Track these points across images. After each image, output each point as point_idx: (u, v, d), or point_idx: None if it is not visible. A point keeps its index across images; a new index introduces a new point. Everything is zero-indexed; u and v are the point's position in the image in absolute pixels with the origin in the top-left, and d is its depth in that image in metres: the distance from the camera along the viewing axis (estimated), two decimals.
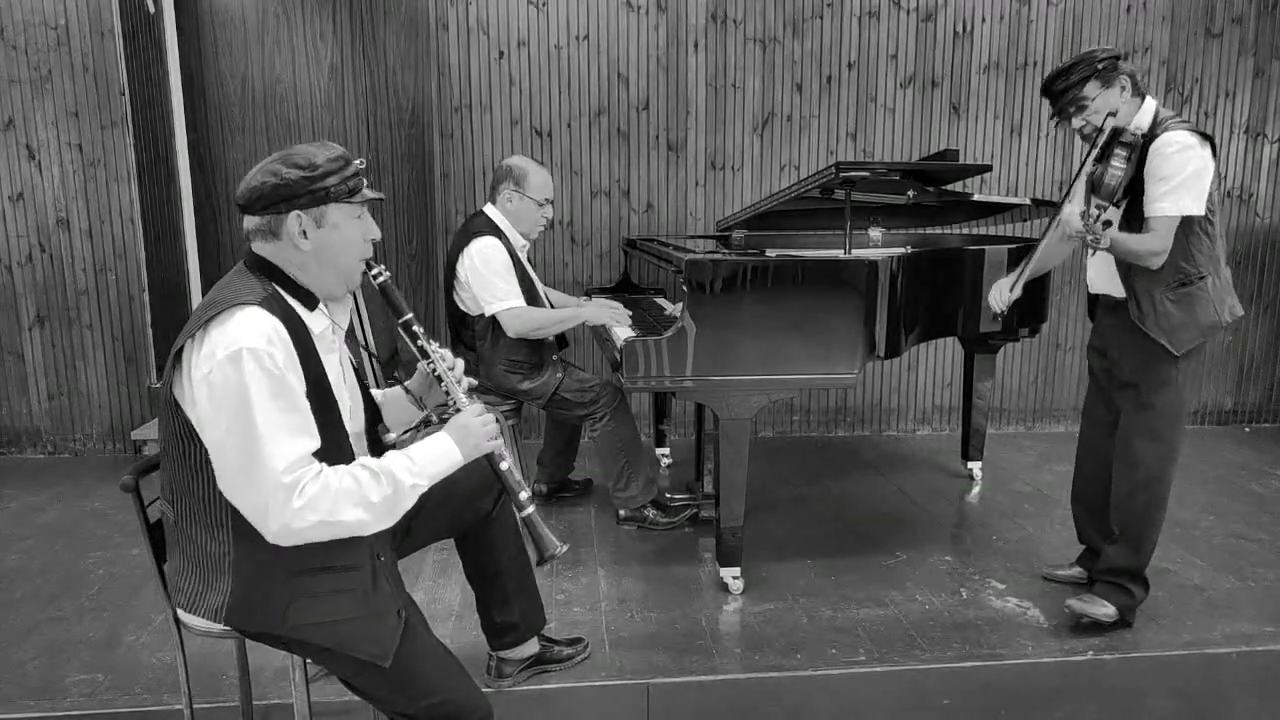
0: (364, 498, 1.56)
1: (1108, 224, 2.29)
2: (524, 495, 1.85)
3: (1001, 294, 2.66)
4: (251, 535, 1.56)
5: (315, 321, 1.67)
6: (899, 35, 4.33)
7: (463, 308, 3.18)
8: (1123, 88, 2.43)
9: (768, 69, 4.30)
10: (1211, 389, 4.81)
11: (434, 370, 1.84)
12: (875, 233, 3.56)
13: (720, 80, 4.29)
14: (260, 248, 1.65)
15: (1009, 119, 4.46)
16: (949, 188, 3.50)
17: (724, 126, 4.33)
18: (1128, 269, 2.48)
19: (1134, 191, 2.41)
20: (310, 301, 1.68)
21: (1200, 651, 2.52)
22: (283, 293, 1.63)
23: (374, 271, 1.79)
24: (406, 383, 1.99)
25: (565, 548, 1.92)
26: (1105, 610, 2.56)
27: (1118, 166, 2.32)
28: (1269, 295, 4.74)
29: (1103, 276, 2.60)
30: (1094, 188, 2.37)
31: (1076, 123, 2.47)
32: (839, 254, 2.73)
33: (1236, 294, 2.56)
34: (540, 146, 4.26)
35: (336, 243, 1.65)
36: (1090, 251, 2.61)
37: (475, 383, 1.94)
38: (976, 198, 3.41)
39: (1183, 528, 3.38)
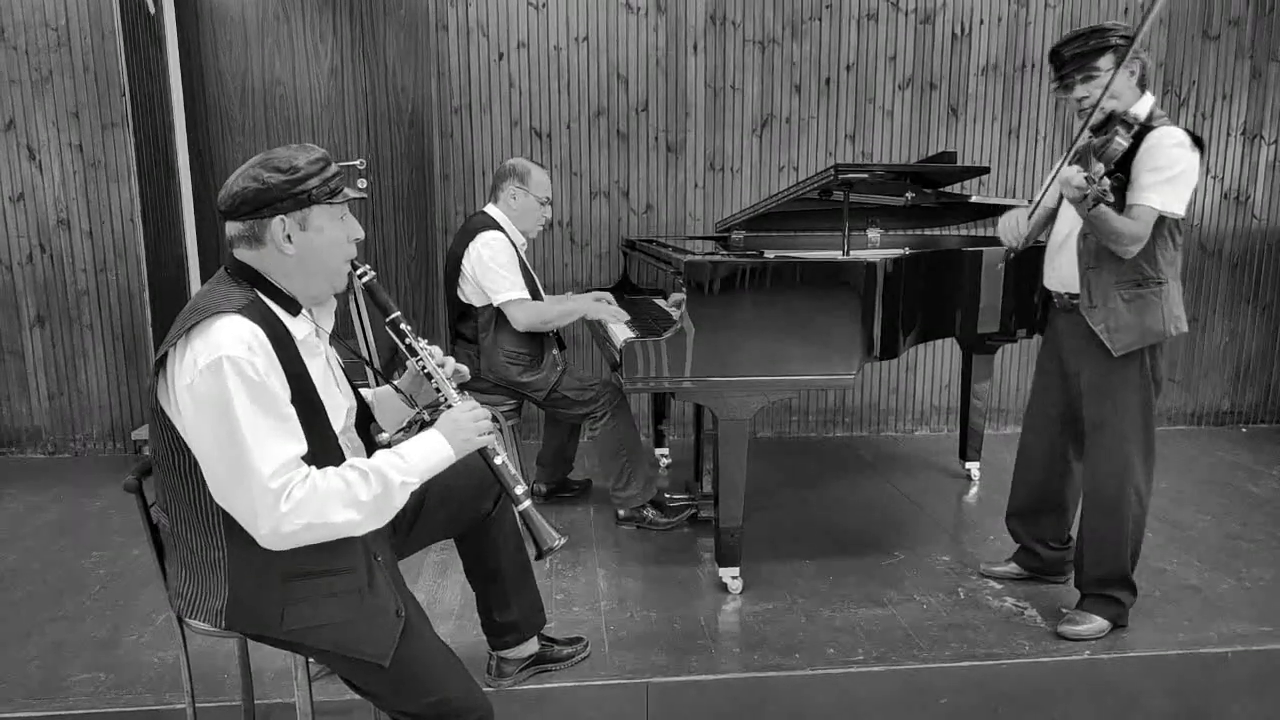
0: (353, 498, 1.56)
1: (1114, 188, 2.20)
2: (519, 490, 1.84)
3: (1019, 224, 2.48)
4: (244, 540, 1.56)
5: (298, 327, 1.66)
6: (897, 37, 4.34)
7: (465, 300, 3.20)
8: (1132, 73, 2.34)
9: (767, 71, 4.31)
10: (1209, 390, 4.83)
11: (423, 367, 1.83)
12: (874, 234, 3.57)
13: (719, 82, 4.30)
14: (243, 254, 1.64)
15: (1007, 121, 4.47)
16: (947, 189, 3.51)
17: (723, 128, 4.34)
18: (1091, 260, 2.41)
19: (1120, 178, 2.32)
20: (293, 307, 1.67)
21: (1196, 651, 2.53)
22: (264, 299, 1.63)
23: (359, 271, 1.78)
24: (396, 381, 1.98)
25: (564, 540, 1.90)
26: (1096, 626, 2.56)
27: (1122, 138, 2.22)
28: (1266, 296, 4.75)
29: (1063, 271, 2.52)
30: (1095, 154, 2.27)
31: (1079, 91, 2.36)
32: (837, 255, 2.74)
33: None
34: (540, 147, 4.27)
35: (321, 245, 1.64)
36: (1046, 229, 2.53)
37: (466, 371, 1.92)
38: (974, 199, 3.42)
39: (1179, 528, 3.40)
